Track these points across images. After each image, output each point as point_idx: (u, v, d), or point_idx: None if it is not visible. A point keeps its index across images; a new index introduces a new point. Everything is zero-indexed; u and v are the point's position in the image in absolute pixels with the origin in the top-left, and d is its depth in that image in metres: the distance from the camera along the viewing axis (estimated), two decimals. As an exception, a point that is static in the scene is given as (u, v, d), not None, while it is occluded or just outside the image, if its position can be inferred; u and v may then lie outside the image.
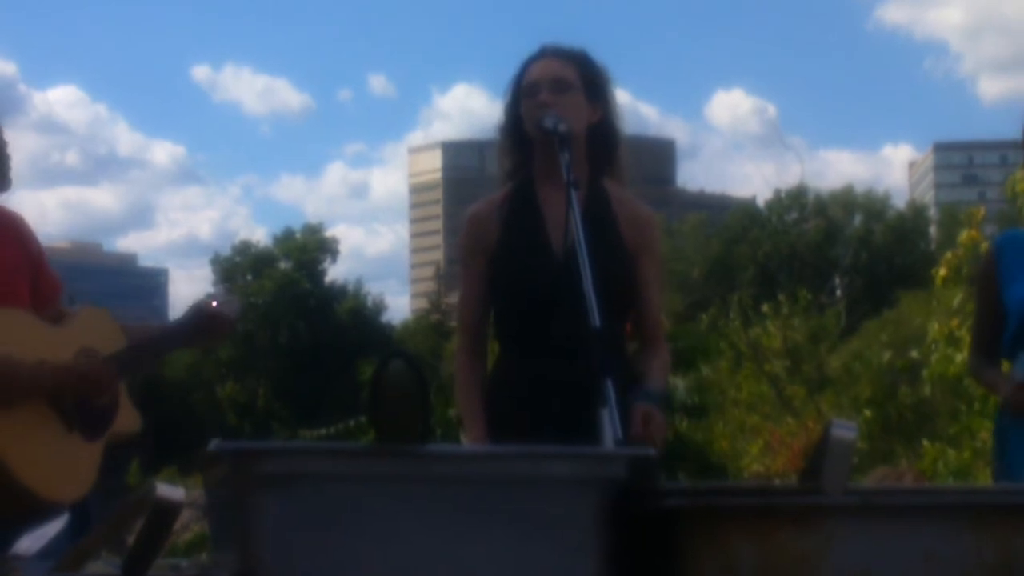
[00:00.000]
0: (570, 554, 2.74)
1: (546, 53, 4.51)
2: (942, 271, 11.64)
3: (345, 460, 2.72)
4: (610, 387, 3.63)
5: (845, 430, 2.71)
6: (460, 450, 3.49)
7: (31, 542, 3.50)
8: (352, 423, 16.77)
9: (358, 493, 2.67)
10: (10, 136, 4.51)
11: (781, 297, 21.84)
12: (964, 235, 11.72)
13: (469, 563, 2.71)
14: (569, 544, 2.74)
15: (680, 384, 17.22)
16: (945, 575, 2.81)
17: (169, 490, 2.75)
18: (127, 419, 4.54)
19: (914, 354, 15.73)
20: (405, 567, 2.68)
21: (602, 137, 4.49)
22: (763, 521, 2.75)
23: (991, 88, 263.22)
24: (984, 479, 11.53)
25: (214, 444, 2.67)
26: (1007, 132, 4.88)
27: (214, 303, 4.79)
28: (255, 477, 2.62)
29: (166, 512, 2.72)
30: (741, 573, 2.72)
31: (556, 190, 4.35)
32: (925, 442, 15.36)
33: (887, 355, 18.80)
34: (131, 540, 2.77)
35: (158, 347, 4.86)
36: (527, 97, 4.41)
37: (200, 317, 4.76)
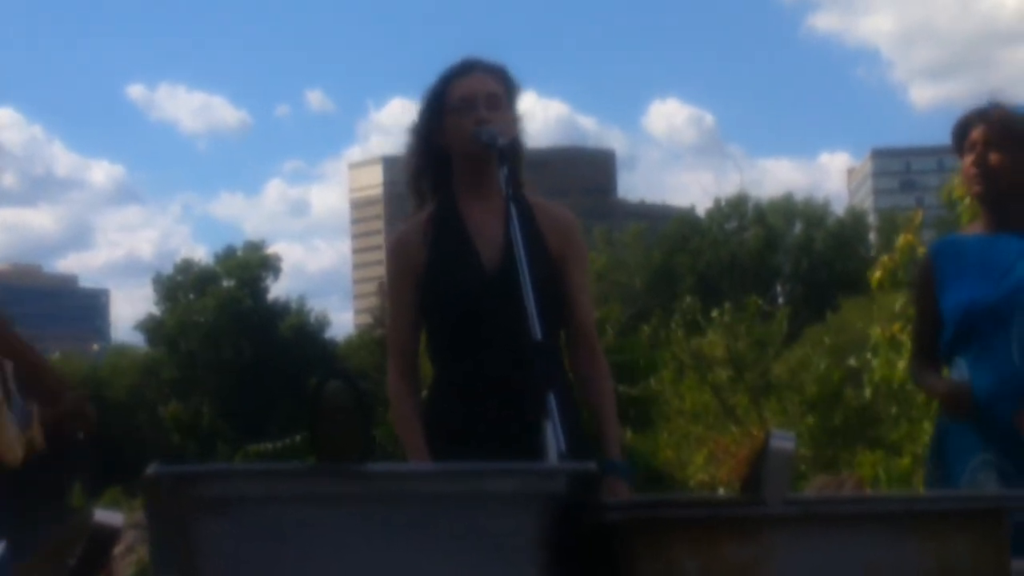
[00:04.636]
0: (514, 570, 2.74)
1: (475, 68, 4.50)
2: (877, 274, 11.68)
3: (285, 481, 2.71)
4: (552, 400, 3.63)
5: (784, 441, 2.72)
6: (401, 468, 3.48)
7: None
8: (298, 438, 16.70)
9: (299, 514, 2.65)
10: None
11: (726, 305, 21.88)
12: (901, 239, 11.75)
13: (413, 581, 2.71)
14: (513, 560, 2.74)
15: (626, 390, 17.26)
16: (886, 582, 2.83)
17: (107, 515, 2.73)
18: None
19: (852, 362, 15.78)
20: (348, 587, 2.67)
21: (516, 151, 4.49)
22: (705, 533, 2.75)
23: (922, 95, 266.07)
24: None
25: (153, 468, 2.65)
26: (943, 138, 4.91)
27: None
28: (195, 500, 2.60)
29: (104, 537, 2.70)
30: (684, 586, 2.73)
31: (481, 205, 4.37)
32: (862, 451, 15.42)
33: (823, 364, 18.86)
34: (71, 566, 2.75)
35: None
36: (459, 112, 4.39)
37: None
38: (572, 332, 4.46)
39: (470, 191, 4.42)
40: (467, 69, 4.49)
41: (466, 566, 2.72)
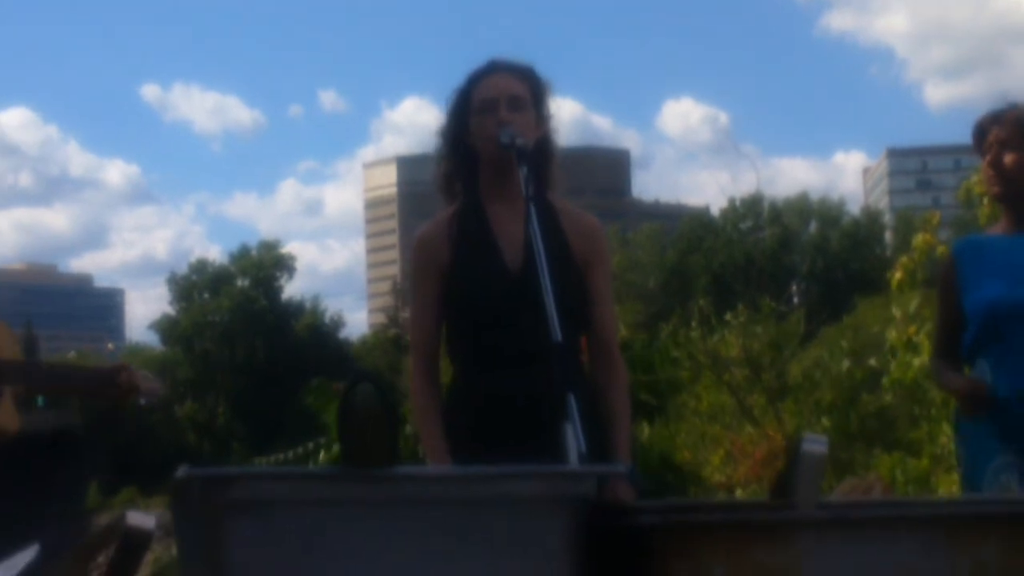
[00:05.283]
0: (542, 572, 2.73)
1: (498, 68, 4.48)
2: (897, 274, 11.64)
3: (314, 484, 2.70)
4: (573, 402, 3.62)
5: (816, 444, 2.71)
6: (429, 472, 3.47)
7: (2, 572, 3.46)
8: (311, 445, 16.63)
9: (328, 517, 2.65)
10: None
11: (741, 306, 21.84)
12: (919, 239, 11.71)
13: (440, 585, 2.70)
14: (540, 563, 2.73)
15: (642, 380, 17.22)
16: (918, 587, 2.82)
17: (140, 518, 2.72)
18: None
19: (872, 362, 15.74)
20: (376, 590, 2.66)
21: (544, 151, 4.48)
22: (736, 537, 2.74)
23: (937, 94, 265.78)
24: (943, 486, 11.56)
25: (183, 470, 2.64)
26: (958, 136, 4.93)
27: (127, 372, 5.23)
28: (225, 503, 2.59)
29: (137, 541, 2.70)
30: (714, 590, 2.72)
31: (505, 206, 4.36)
32: (880, 452, 15.37)
33: (846, 364, 18.75)
34: (102, 569, 2.74)
35: (46, 376, 5.27)
36: (482, 113, 4.39)
37: (104, 375, 5.22)
38: (591, 337, 4.45)
39: (494, 192, 4.42)
40: (490, 70, 4.48)
41: (494, 569, 2.72)
